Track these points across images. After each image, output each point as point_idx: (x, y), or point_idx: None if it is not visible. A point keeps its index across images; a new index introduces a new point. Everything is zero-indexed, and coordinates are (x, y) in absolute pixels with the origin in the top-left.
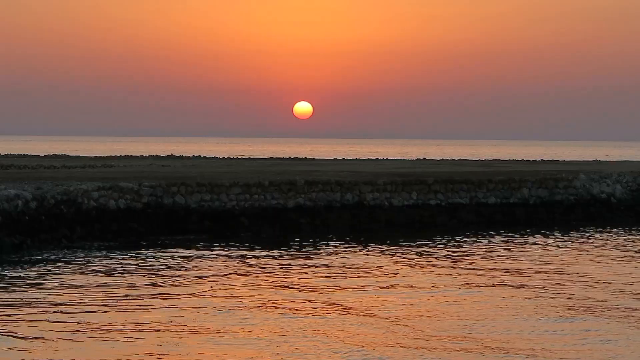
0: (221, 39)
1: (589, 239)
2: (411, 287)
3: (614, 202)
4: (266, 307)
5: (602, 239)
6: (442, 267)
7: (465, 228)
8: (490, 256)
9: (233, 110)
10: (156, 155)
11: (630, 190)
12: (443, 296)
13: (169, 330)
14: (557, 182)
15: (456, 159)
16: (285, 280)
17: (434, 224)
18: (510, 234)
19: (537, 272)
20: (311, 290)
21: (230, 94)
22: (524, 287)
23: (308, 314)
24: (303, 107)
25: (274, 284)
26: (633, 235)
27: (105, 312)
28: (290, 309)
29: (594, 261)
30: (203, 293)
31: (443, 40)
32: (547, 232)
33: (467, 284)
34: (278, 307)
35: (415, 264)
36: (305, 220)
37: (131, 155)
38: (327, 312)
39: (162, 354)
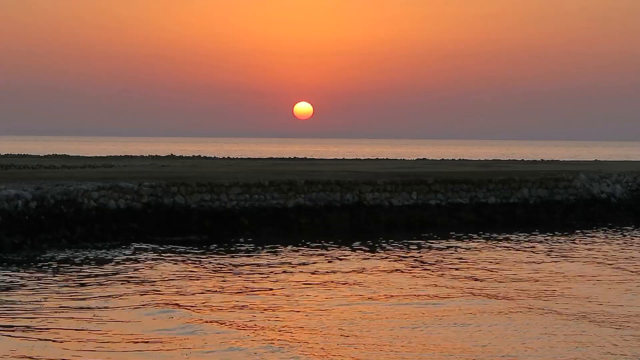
0: (221, 39)
1: (588, 238)
2: (410, 286)
3: (613, 202)
4: (265, 306)
5: (602, 239)
6: (442, 267)
7: (465, 228)
8: (490, 256)
9: (233, 110)
10: (156, 155)
11: (630, 190)
12: (442, 296)
13: (164, 328)
14: (557, 182)
15: (456, 159)
16: (284, 279)
17: (434, 224)
18: (510, 234)
19: (536, 271)
20: (311, 290)
21: (230, 94)
22: (523, 287)
23: (306, 312)
24: (303, 108)
25: (273, 284)
26: (633, 235)
27: (104, 312)
28: (288, 308)
29: (593, 260)
30: (202, 292)
31: (444, 39)
32: (547, 232)
33: (467, 283)
34: (277, 306)
35: (415, 264)
36: (305, 220)
37: (131, 155)
38: (326, 309)
39: (155, 348)
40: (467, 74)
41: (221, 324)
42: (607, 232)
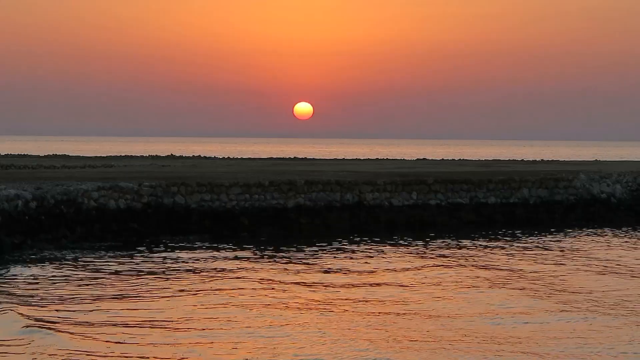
0: (221, 39)
1: (588, 238)
2: (409, 286)
3: (614, 202)
4: (263, 307)
5: (602, 239)
6: (442, 267)
7: (465, 228)
8: (490, 256)
9: (233, 110)
10: (156, 155)
11: (630, 190)
12: (441, 296)
13: (165, 327)
14: (557, 182)
15: (456, 159)
16: (284, 280)
17: (434, 224)
18: (510, 234)
19: (536, 272)
20: (310, 290)
21: (230, 94)
22: (523, 287)
23: (305, 312)
24: (303, 108)
25: (272, 284)
26: (633, 235)
27: (104, 312)
28: (287, 308)
29: (592, 261)
30: (203, 293)
31: (443, 40)
32: (547, 232)
33: (465, 283)
34: (276, 307)
35: (415, 264)
36: (305, 220)
37: (131, 155)
38: (326, 311)
39: (156, 348)
40: (467, 74)
41: (215, 322)
42: (606, 233)
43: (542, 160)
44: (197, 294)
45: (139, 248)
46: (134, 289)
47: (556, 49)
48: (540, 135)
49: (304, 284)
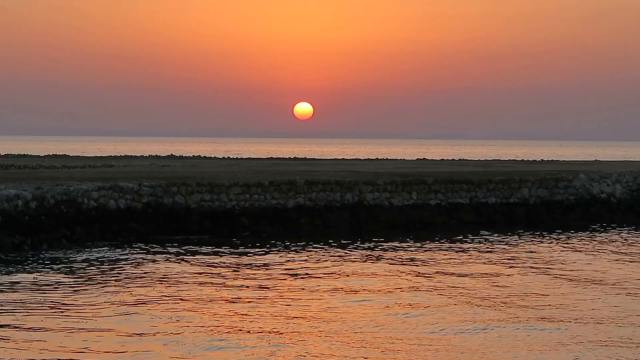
0: (221, 40)
1: (588, 238)
2: (409, 288)
3: (614, 202)
4: (265, 307)
5: (601, 239)
6: (442, 267)
7: (465, 228)
8: (490, 256)
9: (233, 110)
10: (156, 155)
11: (630, 190)
12: (440, 296)
13: (169, 330)
14: (557, 182)
15: (456, 159)
16: (284, 280)
17: (434, 224)
18: (510, 234)
19: (536, 272)
20: (310, 291)
21: (230, 94)
22: (522, 288)
23: (304, 313)
24: (303, 108)
25: (273, 284)
26: (633, 235)
27: (104, 312)
28: (287, 309)
29: (593, 261)
30: (204, 293)
31: (442, 40)
32: (547, 232)
33: (466, 284)
34: (276, 308)
35: (415, 264)
36: (305, 220)
37: (131, 155)
38: (324, 312)
39: (157, 351)
40: (466, 74)
41: (215, 324)
42: (606, 235)
43: (542, 160)
44: (196, 295)
45: (138, 248)
46: (132, 292)
47: (556, 49)
48: (541, 135)
49: (305, 286)
